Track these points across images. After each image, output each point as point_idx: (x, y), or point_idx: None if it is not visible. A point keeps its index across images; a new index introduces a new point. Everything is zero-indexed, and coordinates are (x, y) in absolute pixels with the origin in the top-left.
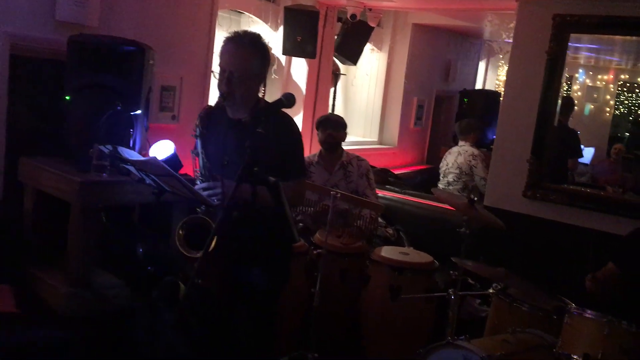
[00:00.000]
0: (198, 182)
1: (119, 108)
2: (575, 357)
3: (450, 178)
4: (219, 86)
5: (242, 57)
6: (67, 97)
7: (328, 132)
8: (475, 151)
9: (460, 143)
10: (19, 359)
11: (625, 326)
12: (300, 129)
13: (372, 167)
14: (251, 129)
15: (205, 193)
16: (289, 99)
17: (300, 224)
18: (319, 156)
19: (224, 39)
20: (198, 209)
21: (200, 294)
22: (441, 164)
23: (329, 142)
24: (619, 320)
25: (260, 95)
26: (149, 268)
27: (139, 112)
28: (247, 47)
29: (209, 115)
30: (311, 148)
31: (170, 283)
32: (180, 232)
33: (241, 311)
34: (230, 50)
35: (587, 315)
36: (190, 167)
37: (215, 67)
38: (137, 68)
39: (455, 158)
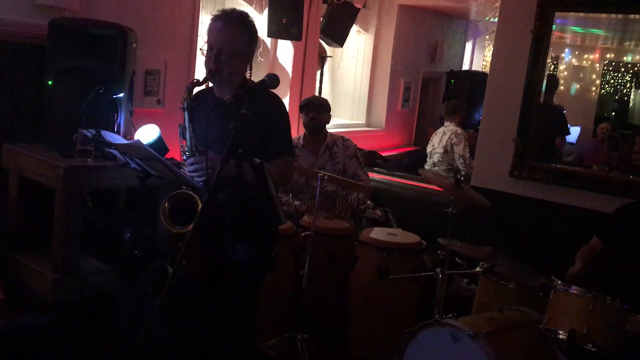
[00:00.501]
0: (184, 158)
1: (101, 91)
2: (561, 332)
3: (435, 158)
4: (207, 64)
5: (230, 34)
6: (50, 82)
7: (311, 116)
8: (459, 130)
9: (446, 124)
10: (7, 345)
11: (610, 301)
12: None
13: (360, 149)
14: (235, 111)
15: (191, 167)
16: (272, 80)
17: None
18: (303, 139)
19: (212, 16)
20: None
21: (184, 276)
22: (428, 146)
23: (312, 126)
24: (603, 295)
25: (247, 76)
26: (136, 252)
27: (121, 95)
28: (235, 24)
29: (198, 91)
30: (298, 131)
31: (158, 268)
32: (166, 204)
33: (226, 293)
34: (218, 27)
35: (572, 292)
36: (177, 151)
37: (202, 45)
38: (119, 51)
39: (441, 138)
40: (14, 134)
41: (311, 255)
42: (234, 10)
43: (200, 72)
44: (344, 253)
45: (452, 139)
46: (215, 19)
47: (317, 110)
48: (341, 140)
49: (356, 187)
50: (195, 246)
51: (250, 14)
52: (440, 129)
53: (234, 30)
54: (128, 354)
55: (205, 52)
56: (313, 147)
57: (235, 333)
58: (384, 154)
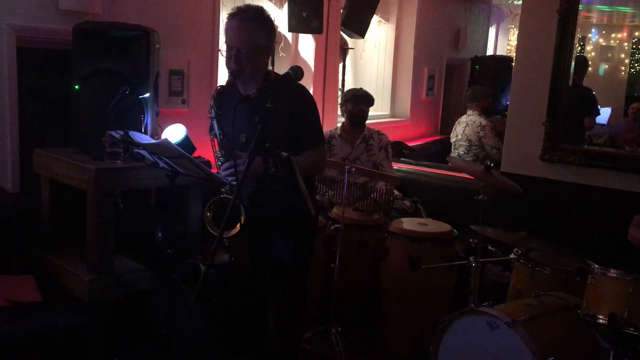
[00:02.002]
0: (219, 164)
1: (127, 92)
2: (600, 317)
3: (461, 150)
4: (228, 64)
5: (247, 32)
6: (77, 86)
7: (360, 107)
8: (483, 121)
9: (468, 112)
10: (46, 345)
11: None
12: None
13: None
14: (260, 105)
15: (227, 172)
16: (296, 72)
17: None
18: (341, 129)
19: (227, 15)
20: (223, 189)
21: (222, 272)
22: (451, 135)
23: (361, 117)
24: None
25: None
26: (169, 250)
27: (146, 95)
28: (251, 21)
29: (222, 95)
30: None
31: (190, 265)
32: (208, 214)
33: (271, 287)
34: (234, 26)
35: (611, 275)
36: (204, 149)
37: (223, 46)
38: (143, 52)
39: (464, 129)
40: (44, 139)
41: (342, 247)
42: (249, 7)
43: (223, 69)
44: (375, 244)
45: (478, 132)
46: (231, 17)
47: (367, 103)
48: (377, 134)
49: (384, 177)
50: (242, 242)
51: (269, 9)
52: (463, 118)
53: (251, 27)
54: (165, 351)
55: (224, 53)
56: (350, 138)
57: (281, 326)
58: (410, 144)
